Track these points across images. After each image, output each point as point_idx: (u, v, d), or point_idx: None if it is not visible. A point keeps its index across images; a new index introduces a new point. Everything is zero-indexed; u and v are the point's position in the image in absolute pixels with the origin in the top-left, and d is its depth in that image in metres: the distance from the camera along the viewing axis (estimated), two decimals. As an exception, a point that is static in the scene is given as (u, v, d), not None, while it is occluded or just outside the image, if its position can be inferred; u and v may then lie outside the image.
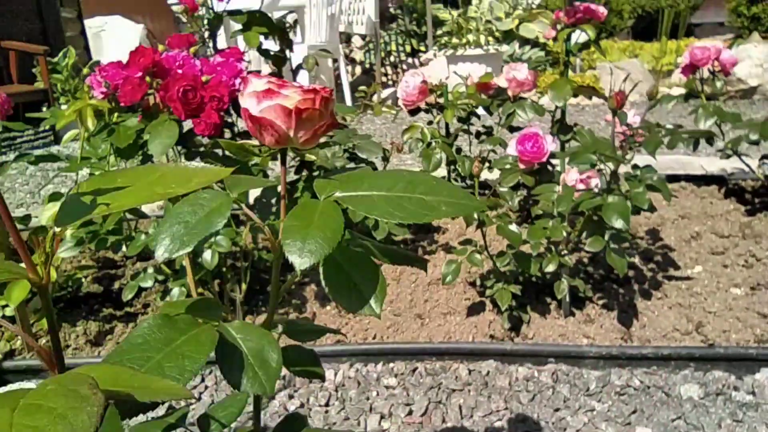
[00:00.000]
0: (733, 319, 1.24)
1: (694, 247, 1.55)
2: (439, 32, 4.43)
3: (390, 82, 5.37)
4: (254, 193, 1.51)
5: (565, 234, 1.13)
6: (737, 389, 1.09)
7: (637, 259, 1.49)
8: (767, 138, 1.48)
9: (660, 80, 4.53)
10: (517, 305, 1.31)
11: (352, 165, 1.55)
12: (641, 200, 1.01)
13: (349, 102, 3.97)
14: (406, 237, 1.67)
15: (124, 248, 1.41)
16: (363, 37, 5.63)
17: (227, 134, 1.38)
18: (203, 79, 1.03)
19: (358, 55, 5.97)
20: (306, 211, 0.41)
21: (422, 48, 5.61)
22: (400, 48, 5.64)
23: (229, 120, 1.37)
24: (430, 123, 1.72)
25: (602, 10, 1.54)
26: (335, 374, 1.22)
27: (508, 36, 4.78)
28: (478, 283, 1.40)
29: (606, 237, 1.09)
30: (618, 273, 1.07)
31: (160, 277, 1.33)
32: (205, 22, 1.27)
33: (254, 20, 1.29)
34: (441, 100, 1.76)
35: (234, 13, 1.28)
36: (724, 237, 1.59)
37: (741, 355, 1.11)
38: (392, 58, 5.65)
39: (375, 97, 4.01)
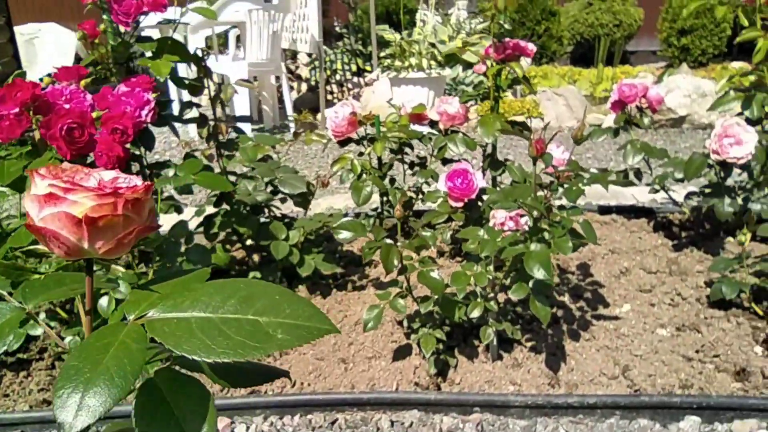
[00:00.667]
0: (659, 363, 1.22)
1: (623, 284, 1.54)
2: (382, 54, 4.41)
3: (335, 101, 5.32)
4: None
5: (490, 278, 1.09)
6: (661, 439, 1.07)
7: (567, 297, 1.47)
8: (690, 178, 1.50)
9: (596, 106, 4.66)
10: (445, 348, 1.25)
11: (277, 197, 1.47)
12: (564, 248, 0.97)
13: (292, 122, 3.88)
14: (335, 272, 1.60)
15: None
16: (309, 54, 5.57)
17: (134, 168, 1.28)
18: (94, 115, 0.93)
19: (304, 72, 5.90)
20: (102, 340, 0.34)
21: (368, 67, 5.60)
22: (346, 67, 5.60)
23: (137, 152, 1.27)
24: (361, 154, 1.66)
25: (531, 47, 1.53)
26: (247, 429, 1.13)
27: (451, 59, 4.82)
28: (406, 324, 1.34)
29: (530, 284, 1.05)
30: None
31: (53, 323, 1.20)
32: (109, 49, 1.17)
33: (165, 47, 1.20)
34: (374, 130, 1.71)
35: (143, 40, 1.19)
36: (652, 273, 1.59)
37: (665, 404, 1.09)
38: (338, 77, 5.60)
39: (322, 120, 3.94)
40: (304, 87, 5.79)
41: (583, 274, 1.61)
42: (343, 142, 1.64)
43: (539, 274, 0.94)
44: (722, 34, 5.91)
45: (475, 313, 1.11)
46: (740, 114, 1.60)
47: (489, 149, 1.64)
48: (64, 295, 0.44)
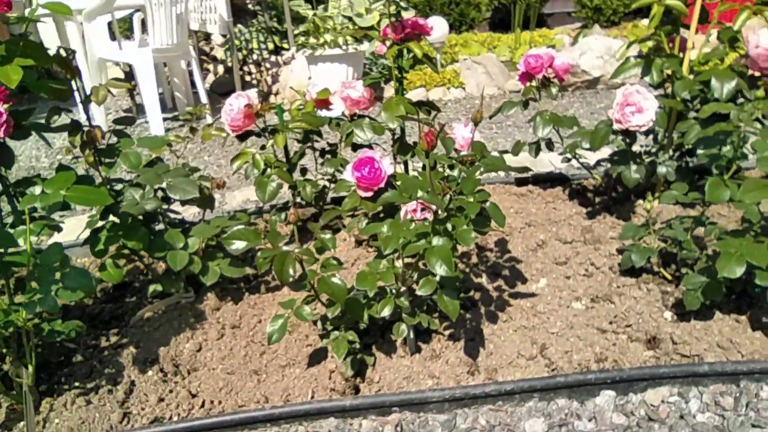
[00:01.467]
0: (575, 338, 1.22)
1: (540, 257, 1.54)
2: (297, 31, 4.25)
3: (254, 82, 5.11)
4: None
5: (398, 275, 1.04)
6: (579, 417, 1.07)
7: (484, 278, 1.45)
8: (597, 148, 1.50)
9: (516, 72, 4.69)
10: (362, 347, 1.21)
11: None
12: (467, 239, 0.93)
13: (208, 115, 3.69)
14: (247, 274, 1.51)
15: None
16: (223, 35, 5.31)
17: (-2, 187, 1.14)
18: None
19: (220, 53, 5.63)
20: None
21: (285, 45, 5.41)
22: (263, 45, 5.39)
23: (-2, 170, 1.13)
24: (263, 147, 1.56)
25: (429, 25, 1.47)
26: (154, 462, 1.05)
27: (370, 33, 4.71)
28: (320, 325, 1.28)
29: (437, 278, 1.01)
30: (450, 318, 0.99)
31: None
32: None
33: (16, 49, 1.06)
34: (276, 121, 1.61)
35: (-17, 41, 1.04)
36: (567, 243, 1.60)
37: (581, 382, 1.09)
38: (255, 56, 5.38)
39: (273, 99, 3.76)
40: (221, 69, 5.53)
41: (500, 250, 1.59)
42: (243, 136, 1.54)
43: (441, 270, 0.90)
44: (631, -8, 6.06)
45: (386, 312, 1.06)
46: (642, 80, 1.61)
47: (398, 132, 1.59)
48: None
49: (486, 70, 4.29)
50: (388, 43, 1.46)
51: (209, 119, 3.89)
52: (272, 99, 4.76)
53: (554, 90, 1.81)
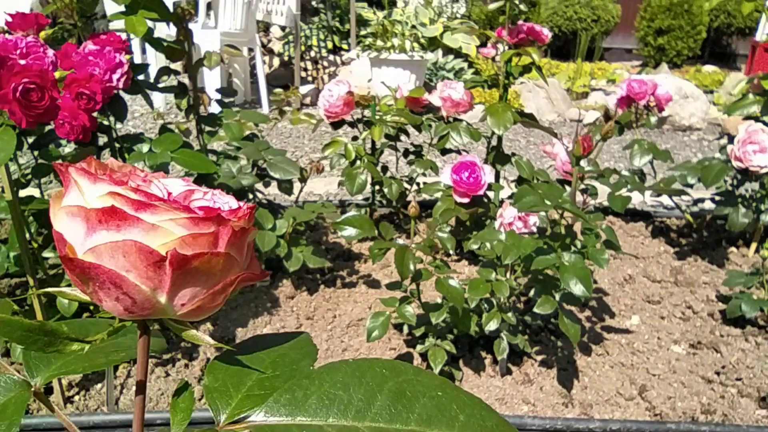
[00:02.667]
0: (678, 384, 1.14)
1: (629, 292, 1.45)
2: (363, 32, 4.23)
3: (309, 78, 5.10)
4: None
5: (511, 288, 0.97)
6: (686, 470, 0.98)
7: (573, 306, 1.37)
8: (710, 185, 1.42)
9: (575, 101, 4.62)
10: (449, 359, 1.13)
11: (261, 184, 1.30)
12: (600, 261, 0.86)
13: (264, 98, 3.67)
14: (323, 266, 1.45)
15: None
16: (282, 27, 5.32)
17: (102, 140, 1.10)
18: (56, 75, 0.75)
19: (277, 46, 5.64)
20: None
21: (344, 46, 5.40)
22: (322, 44, 5.38)
23: (105, 122, 1.09)
24: (355, 138, 1.51)
25: (546, 33, 1.41)
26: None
27: (433, 44, 4.68)
28: (406, 330, 1.21)
29: (557, 297, 0.94)
30: (572, 342, 0.92)
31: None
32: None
33: (141, 1, 1.02)
34: (368, 113, 1.56)
35: (116, -11, 1.00)
36: (657, 282, 1.51)
37: None
38: (313, 53, 5.37)
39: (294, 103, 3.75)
40: (276, 62, 5.53)
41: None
42: (337, 124, 1.49)
43: (577, 289, 0.82)
44: (698, 36, 5.96)
45: (492, 326, 0.99)
46: (756, 119, 1.52)
47: (494, 141, 1.52)
48: (94, 366, 0.30)
49: (548, 95, 4.21)
50: (500, 46, 1.40)
51: (264, 105, 3.87)
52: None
53: (653, 119, 1.74)
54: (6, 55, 0.73)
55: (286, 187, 1.40)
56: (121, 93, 1.06)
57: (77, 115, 0.94)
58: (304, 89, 4.33)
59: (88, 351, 0.29)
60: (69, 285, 0.93)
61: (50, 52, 0.78)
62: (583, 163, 1.25)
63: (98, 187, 0.24)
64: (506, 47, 1.36)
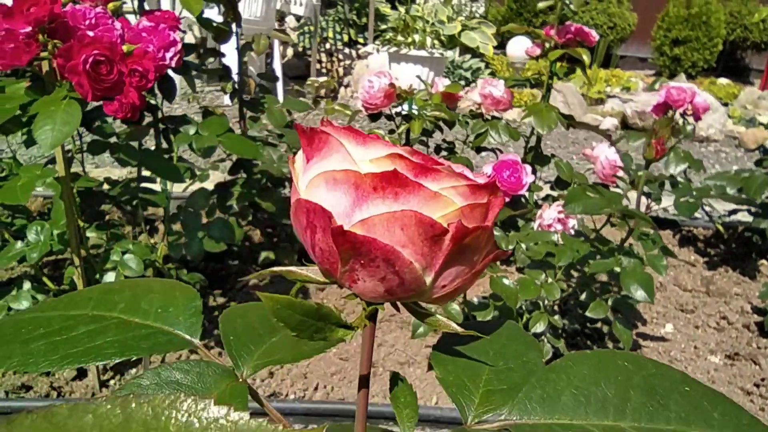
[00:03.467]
0: (716, 395, 1.12)
1: (660, 300, 1.44)
2: (383, 27, 4.21)
3: (324, 71, 5.08)
4: (177, 192, 1.21)
5: (561, 290, 0.95)
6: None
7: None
8: (754, 196, 1.40)
9: (591, 107, 4.60)
10: (484, 360, 1.12)
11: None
12: (659, 267, 0.85)
13: (280, 91, 3.65)
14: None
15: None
16: (298, 18, 5.29)
17: (148, 119, 1.08)
18: (124, 48, 0.73)
19: (293, 37, 5.61)
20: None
21: (360, 40, 5.37)
22: (338, 36, 5.36)
23: (153, 102, 1.07)
24: (391, 132, 1.49)
25: (594, 34, 1.39)
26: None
27: (451, 42, 4.66)
28: (440, 329, 1.20)
29: (609, 302, 0.92)
30: (623, 344, 0.90)
31: (40, 297, 1.00)
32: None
33: (199, -21, 1.00)
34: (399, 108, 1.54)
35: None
36: (688, 291, 1.50)
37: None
38: (328, 46, 5.35)
39: (343, 91, 3.72)
40: (290, 52, 5.50)
41: (617, 287, 1.50)
42: (375, 116, 1.47)
43: (639, 295, 0.81)
44: (714, 49, 5.95)
45: (539, 328, 0.97)
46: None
47: (532, 141, 1.50)
48: (302, 355, 0.28)
49: (565, 100, 4.20)
50: (547, 45, 1.39)
51: (280, 95, 3.85)
52: (342, 91, 4.70)
53: (689, 128, 1.72)
54: (76, 25, 0.71)
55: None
56: (171, 73, 1.04)
57: (129, 93, 0.92)
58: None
59: (289, 339, 0.27)
60: (114, 268, 0.91)
61: (118, 24, 0.77)
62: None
63: (372, 150, 0.21)
64: (552, 46, 1.34)
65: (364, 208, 0.21)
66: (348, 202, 0.21)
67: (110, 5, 0.79)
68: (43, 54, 0.72)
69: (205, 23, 1.10)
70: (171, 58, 0.97)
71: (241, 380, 0.29)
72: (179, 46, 0.98)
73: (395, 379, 0.27)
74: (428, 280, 0.22)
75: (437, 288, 0.22)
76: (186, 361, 0.30)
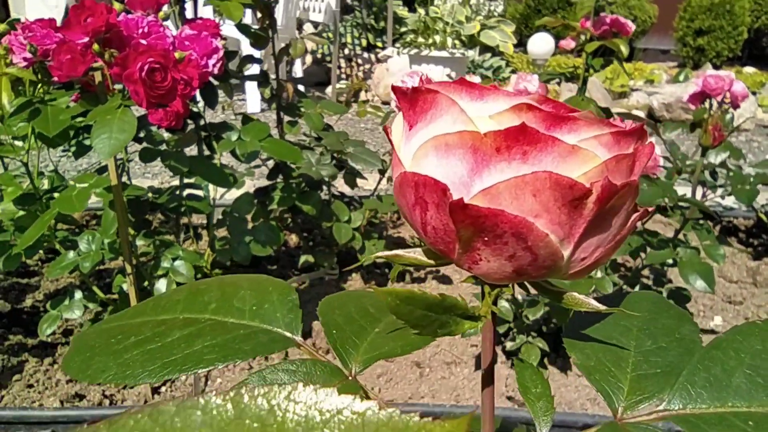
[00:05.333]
0: (774, 387, 1.09)
1: (707, 294, 1.41)
2: (403, 29, 4.21)
3: (343, 76, 5.10)
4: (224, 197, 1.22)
5: (616, 283, 0.94)
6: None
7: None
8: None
9: (615, 101, 4.54)
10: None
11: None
12: (716, 257, 0.83)
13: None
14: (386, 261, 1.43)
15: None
16: (315, 25, 5.32)
17: (190, 126, 1.09)
18: (176, 55, 0.74)
19: (310, 44, 5.63)
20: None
21: (379, 44, 5.38)
22: (356, 41, 5.37)
23: (195, 109, 1.08)
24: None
25: (630, 25, 1.37)
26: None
27: (471, 41, 4.64)
28: (485, 328, 1.19)
29: (664, 294, 0.90)
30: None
31: (91, 306, 1.02)
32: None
33: (237, -14, 1.01)
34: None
35: (211, -26, 0.99)
36: (734, 282, 1.46)
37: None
38: (347, 51, 5.37)
39: (363, 95, 3.74)
40: (309, 59, 5.54)
41: (665, 278, 1.47)
42: (408, 117, 1.47)
43: (699, 285, 0.79)
44: (739, 37, 5.83)
45: (590, 323, 0.96)
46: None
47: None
48: (412, 346, 0.27)
49: (589, 94, 4.15)
50: (583, 37, 1.37)
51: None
52: (362, 95, 4.71)
53: (727, 117, 1.68)
54: (129, 34, 0.72)
55: (350, 180, 1.38)
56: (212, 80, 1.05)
57: (174, 101, 0.93)
58: (338, 86, 4.32)
59: (392, 329, 0.27)
60: (165, 274, 0.92)
61: (170, 32, 0.78)
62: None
63: (491, 103, 0.19)
64: (590, 38, 1.32)
65: (485, 175, 0.18)
66: (465, 170, 0.18)
67: (161, 13, 0.80)
68: (96, 65, 0.73)
69: (243, 29, 1.11)
70: (214, 65, 0.98)
71: (351, 378, 0.27)
72: (221, 53, 0.99)
73: (521, 368, 0.25)
74: (566, 253, 0.19)
75: (575, 262, 0.20)
76: (292, 360, 0.29)
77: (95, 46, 0.70)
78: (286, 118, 1.22)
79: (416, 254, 0.24)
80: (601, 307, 0.22)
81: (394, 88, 0.21)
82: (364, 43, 5.43)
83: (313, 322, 1.21)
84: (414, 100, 0.20)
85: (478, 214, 0.18)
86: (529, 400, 0.24)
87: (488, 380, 0.25)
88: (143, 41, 0.72)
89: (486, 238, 0.19)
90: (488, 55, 4.81)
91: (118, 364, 0.25)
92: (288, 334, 0.28)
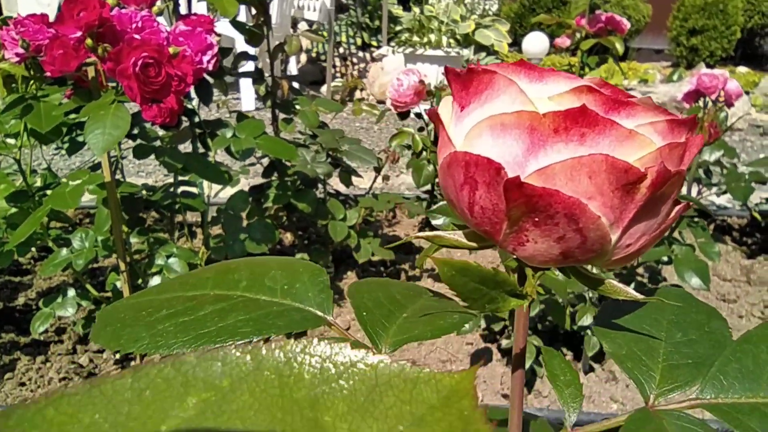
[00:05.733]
0: None
1: (701, 291, 1.41)
2: (398, 28, 4.21)
3: (338, 75, 5.09)
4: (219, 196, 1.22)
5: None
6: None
7: (647, 303, 1.34)
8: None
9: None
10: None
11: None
12: (711, 254, 0.83)
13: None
14: (385, 258, 1.43)
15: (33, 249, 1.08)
16: (310, 24, 5.31)
17: (185, 123, 1.08)
18: (171, 50, 0.74)
19: (305, 43, 5.62)
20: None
21: (374, 42, 5.38)
22: (351, 40, 5.37)
23: (189, 106, 1.07)
24: (421, 129, 1.49)
25: (626, 23, 1.37)
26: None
27: (465, 40, 4.65)
28: (483, 324, 1.19)
29: (660, 291, 0.91)
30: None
31: (85, 303, 1.01)
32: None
33: (232, -19, 1.00)
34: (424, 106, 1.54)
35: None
36: (728, 280, 1.47)
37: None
38: (342, 50, 5.36)
39: (358, 93, 3.74)
40: (303, 58, 5.53)
41: (650, 273, 1.47)
42: (403, 115, 1.47)
43: (694, 282, 0.79)
44: (732, 37, 5.86)
45: (586, 321, 0.96)
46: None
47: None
48: (441, 330, 0.27)
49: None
50: (578, 35, 1.38)
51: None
52: (357, 94, 4.70)
53: (722, 115, 1.69)
54: (123, 29, 0.71)
55: (345, 178, 1.38)
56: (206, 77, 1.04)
57: (168, 96, 0.92)
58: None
59: (420, 314, 0.26)
60: (159, 272, 0.91)
61: (163, 27, 0.77)
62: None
63: (551, 85, 0.19)
64: (585, 36, 1.32)
65: (541, 156, 0.18)
66: (520, 150, 0.18)
67: (155, 8, 0.79)
68: (89, 60, 0.73)
69: (238, 26, 1.10)
70: (208, 62, 0.98)
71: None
72: (216, 49, 0.99)
73: (548, 356, 0.25)
74: (614, 237, 0.19)
75: (620, 248, 0.20)
76: (324, 338, 0.29)
77: (88, 41, 0.69)
78: (281, 116, 1.22)
79: (457, 236, 0.24)
80: (639, 296, 0.22)
81: (447, 69, 0.21)
82: (359, 41, 5.42)
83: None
84: (468, 81, 0.20)
85: (533, 193, 0.18)
86: (558, 387, 0.24)
87: (519, 362, 0.25)
88: (137, 36, 0.71)
89: (537, 219, 0.19)
90: (483, 54, 4.81)
91: (151, 334, 0.25)
92: (320, 314, 0.29)
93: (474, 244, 0.23)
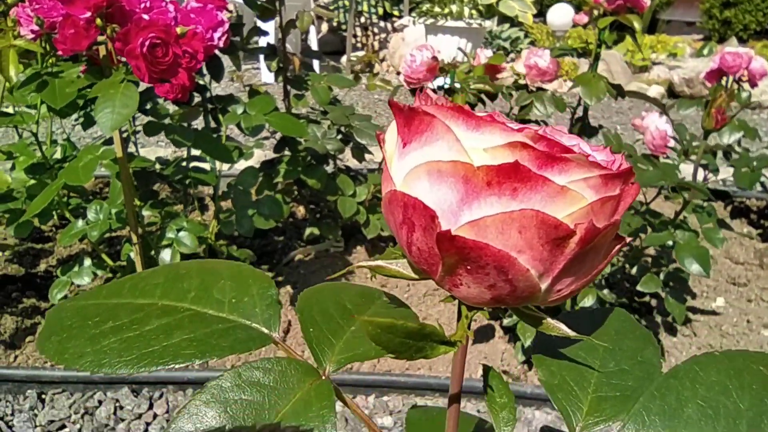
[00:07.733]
0: (771, 370, 1.10)
1: (711, 274, 1.40)
2: (419, -2, 4.13)
3: (359, 45, 5.04)
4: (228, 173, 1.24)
5: (614, 263, 0.94)
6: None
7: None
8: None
9: (635, 75, 4.45)
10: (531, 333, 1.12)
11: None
12: (715, 240, 0.83)
13: (317, 68, 3.65)
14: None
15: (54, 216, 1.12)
16: (332, -7, 5.23)
17: (196, 99, 1.10)
18: (178, 30, 0.75)
19: (326, 12, 5.53)
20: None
21: (396, 12, 5.29)
22: (372, 10, 5.29)
23: (201, 82, 1.09)
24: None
25: (646, 0, 1.34)
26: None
27: (489, 11, 4.55)
28: (486, 303, 1.20)
29: (662, 276, 0.91)
30: (676, 320, 0.89)
31: (100, 272, 1.05)
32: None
33: (243, -43, 1.01)
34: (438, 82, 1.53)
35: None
36: (740, 263, 1.46)
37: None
38: (363, 20, 5.29)
39: (376, 67, 3.71)
40: (324, 28, 5.47)
41: (666, 260, 1.47)
42: (416, 91, 1.46)
43: (694, 268, 0.79)
44: (767, 9, 5.63)
45: (588, 302, 0.97)
46: None
47: (579, 112, 1.47)
48: (383, 352, 0.27)
49: (608, 68, 4.06)
50: (596, 12, 1.35)
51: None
52: (377, 65, 4.66)
53: (745, 95, 1.65)
54: (131, 9, 0.72)
55: (357, 154, 1.38)
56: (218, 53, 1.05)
57: (180, 74, 0.94)
58: (353, 56, 4.28)
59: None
60: (170, 245, 0.94)
61: (171, 7, 0.78)
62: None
63: (487, 136, 0.19)
64: (603, 14, 1.30)
65: (474, 207, 0.18)
66: (455, 199, 0.19)
67: (163, -12, 0.80)
68: (101, 38, 0.74)
69: (250, 2, 1.10)
70: (219, 39, 0.99)
71: (324, 377, 0.27)
72: (226, 26, 0.99)
73: (489, 375, 0.25)
74: (544, 286, 0.20)
75: (551, 293, 0.20)
76: (267, 358, 0.27)
77: (98, 21, 0.71)
78: (293, 91, 1.23)
79: (399, 266, 0.24)
80: (571, 333, 0.22)
81: (391, 103, 0.21)
82: (380, 11, 5.34)
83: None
84: (410, 119, 0.20)
85: (463, 246, 0.18)
86: (493, 409, 0.24)
87: (455, 401, 0.25)
88: (145, 16, 0.73)
89: (469, 267, 0.19)
90: (506, 25, 4.71)
91: (95, 350, 0.24)
92: (266, 331, 0.28)
93: (415, 276, 0.23)
